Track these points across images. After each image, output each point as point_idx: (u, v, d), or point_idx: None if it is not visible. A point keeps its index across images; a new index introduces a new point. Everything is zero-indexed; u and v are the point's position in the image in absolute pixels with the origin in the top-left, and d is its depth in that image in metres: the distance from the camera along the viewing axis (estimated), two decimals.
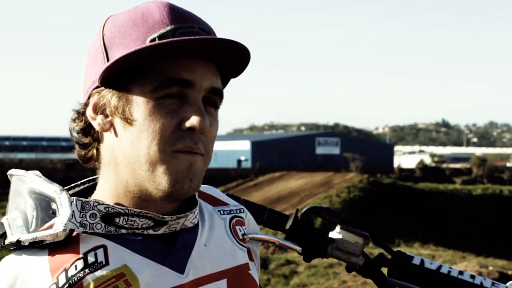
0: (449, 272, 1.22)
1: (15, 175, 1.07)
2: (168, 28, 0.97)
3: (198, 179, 1.00)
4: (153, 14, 0.98)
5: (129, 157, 0.99)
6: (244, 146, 61.55)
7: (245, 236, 1.15)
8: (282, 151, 60.51)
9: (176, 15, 0.99)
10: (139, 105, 0.97)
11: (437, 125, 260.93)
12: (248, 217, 1.20)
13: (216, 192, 1.21)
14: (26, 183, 1.04)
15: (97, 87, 1.00)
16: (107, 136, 1.02)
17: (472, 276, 1.21)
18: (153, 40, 0.96)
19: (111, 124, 1.00)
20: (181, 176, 0.97)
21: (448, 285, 1.21)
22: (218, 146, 64.11)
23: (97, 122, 1.01)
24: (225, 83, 1.07)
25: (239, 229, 1.15)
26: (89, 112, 1.02)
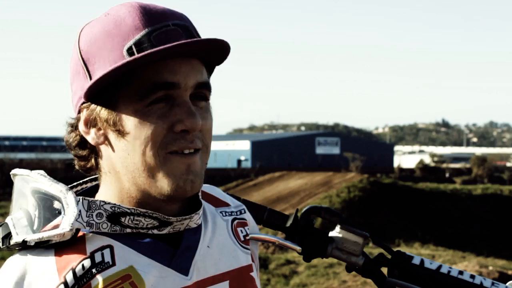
0: (449, 272, 1.22)
1: (19, 174, 1.07)
2: (143, 32, 0.96)
3: (200, 177, 1.01)
4: (125, 19, 0.98)
5: (128, 166, 0.99)
6: (244, 146, 61.52)
7: (247, 238, 1.15)
8: (282, 151, 60.50)
9: (148, 16, 0.98)
10: (129, 115, 0.97)
11: (437, 125, 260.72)
12: (248, 217, 1.20)
13: (217, 192, 1.21)
14: (29, 183, 1.04)
15: (85, 102, 1.01)
16: (103, 148, 1.02)
17: (472, 276, 1.21)
18: (130, 48, 0.95)
19: (105, 137, 1.01)
20: (181, 179, 0.98)
21: (448, 285, 1.21)
22: (218, 146, 64.11)
23: (91, 137, 1.02)
24: (210, 71, 1.07)
25: (241, 230, 1.15)
26: (82, 127, 1.02)
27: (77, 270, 0.96)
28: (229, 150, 62.34)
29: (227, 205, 1.18)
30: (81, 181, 1.13)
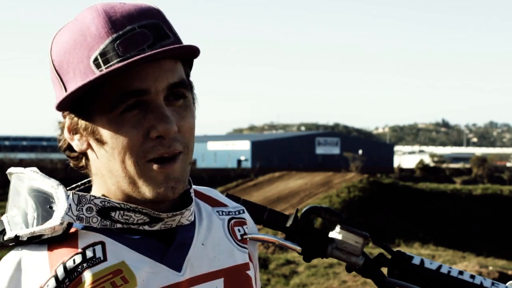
0: (449, 272, 1.22)
1: (14, 173, 1.08)
2: (107, 41, 0.95)
3: (182, 181, 1.01)
4: (90, 28, 0.97)
5: (112, 171, 1.00)
6: (244, 146, 61.51)
7: (244, 237, 1.15)
8: (282, 151, 60.49)
9: (112, 21, 0.97)
10: (104, 125, 0.98)
11: (437, 125, 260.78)
12: (247, 217, 1.20)
13: (215, 193, 1.22)
14: (24, 181, 1.05)
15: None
16: (89, 153, 1.04)
17: (472, 276, 1.21)
18: (95, 59, 0.95)
19: (88, 144, 1.02)
20: (162, 187, 0.99)
21: (448, 285, 1.21)
22: (218, 146, 64.12)
23: (75, 144, 1.03)
24: (190, 65, 1.06)
25: (238, 229, 1.15)
26: (66, 134, 1.04)
27: (67, 264, 0.97)
28: (229, 150, 62.33)
29: (224, 205, 1.19)
30: (79, 183, 1.14)
